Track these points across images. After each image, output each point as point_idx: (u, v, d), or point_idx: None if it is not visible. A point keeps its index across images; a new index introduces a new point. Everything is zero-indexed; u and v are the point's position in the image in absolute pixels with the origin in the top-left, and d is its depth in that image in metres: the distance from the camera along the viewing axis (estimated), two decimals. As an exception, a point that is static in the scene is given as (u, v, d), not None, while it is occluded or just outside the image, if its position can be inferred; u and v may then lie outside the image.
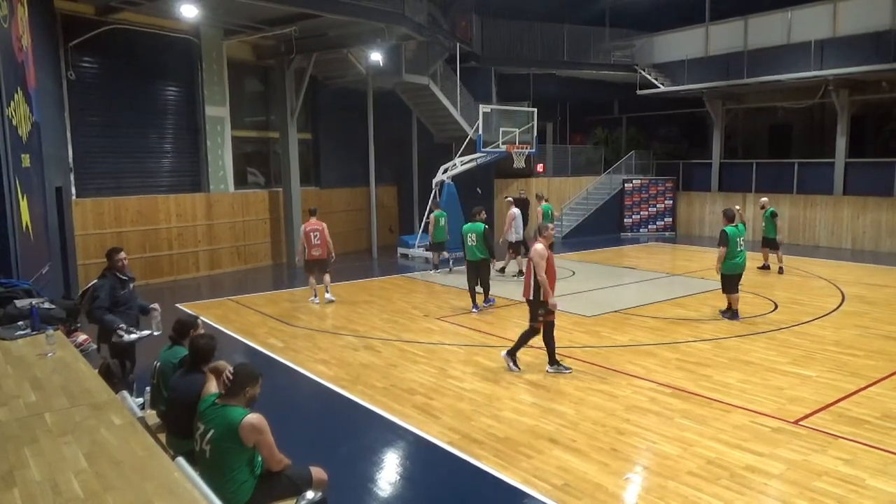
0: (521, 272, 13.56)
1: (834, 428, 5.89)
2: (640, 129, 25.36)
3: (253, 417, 3.63)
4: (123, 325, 6.18)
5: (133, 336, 6.18)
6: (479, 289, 10.88)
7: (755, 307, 10.80)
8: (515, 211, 13.65)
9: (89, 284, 6.46)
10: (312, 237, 11.16)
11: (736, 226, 9.87)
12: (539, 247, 7.31)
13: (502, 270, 14.03)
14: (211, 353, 4.35)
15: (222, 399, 3.74)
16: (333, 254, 11.50)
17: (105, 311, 6.21)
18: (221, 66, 14.90)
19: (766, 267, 14.08)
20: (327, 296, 11.49)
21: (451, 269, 14.57)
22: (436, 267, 14.62)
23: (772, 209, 14.02)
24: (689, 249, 18.30)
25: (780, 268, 13.81)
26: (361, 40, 14.76)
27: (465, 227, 11.01)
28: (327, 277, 11.48)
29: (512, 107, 17.99)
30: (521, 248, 13.63)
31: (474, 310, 10.71)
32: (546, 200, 14.61)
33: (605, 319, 10.11)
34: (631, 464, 5.30)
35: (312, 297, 11.48)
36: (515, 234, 13.56)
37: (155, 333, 6.43)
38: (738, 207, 13.38)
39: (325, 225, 11.31)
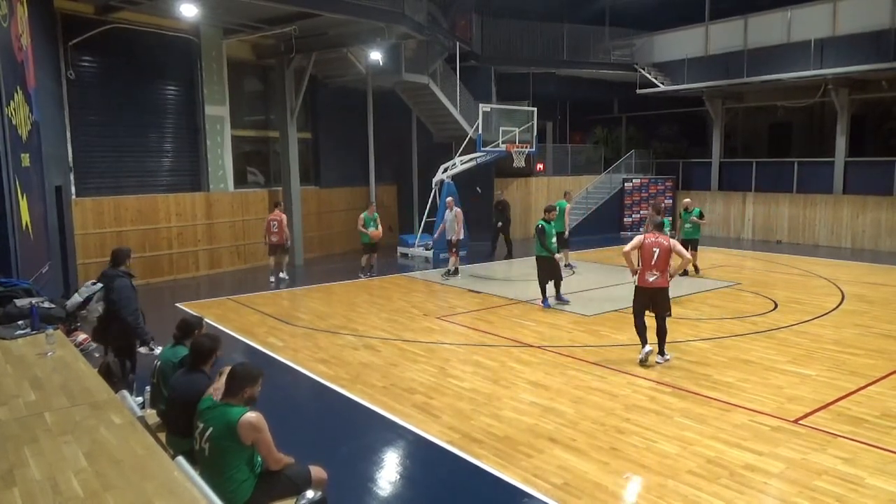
0: (456, 270, 13.76)
1: (833, 427, 5.90)
2: (639, 129, 25.35)
3: (251, 416, 3.63)
4: (153, 340, 6.17)
5: (158, 349, 6.07)
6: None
7: (755, 306, 10.81)
8: (459, 210, 13.74)
9: (94, 290, 6.22)
10: (271, 225, 13.14)
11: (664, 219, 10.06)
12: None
13: (448, 273, 13.83)
14: (212, 353, 4.34)
15: (221, 398, 3.75)
16: (289, 241, 13.59)
17: (138, 313, 6.18)
18: (221, 66, 14.89)
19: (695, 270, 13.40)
20: (282, 274, 13.48)
21: (371, 274, 14.07)
22: (363, 270, 14.04)
23: (698, 209, 13.69)
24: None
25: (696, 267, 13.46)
26: (361, 39, 14.75)
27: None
28: (286, 258, 13.77)
29: (512, 106, 17.99)
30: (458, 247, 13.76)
31: (543, 304, 10.87)
32: (565, 196, 14.48)
33: (604, 319, 10.11)
34: (631, 463, 5.30)
35: (281, 274, 13.46)
36: (455, 234, 13.58)
37: None
38: (668, 200, 13.34)
39: (284, 217, 13.39)
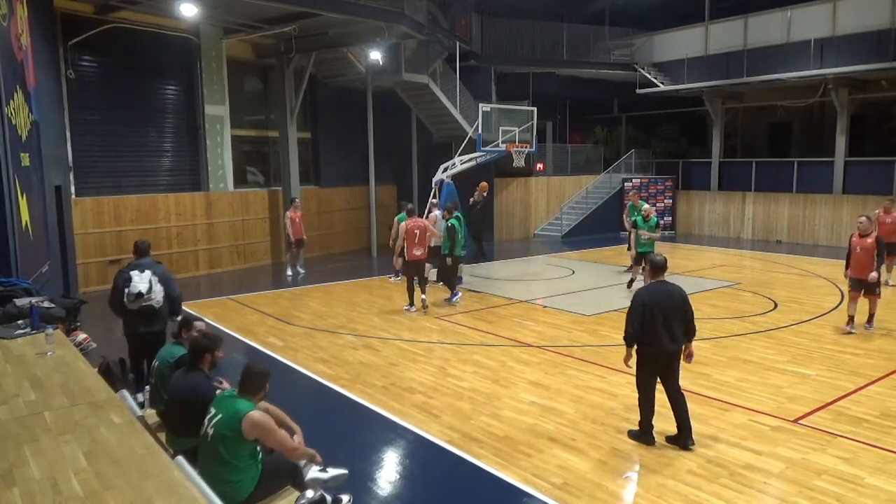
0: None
1: (833, 426, 5.90)
2: (639, 128, 25.34)
3: (255, 414, 3.70)
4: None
5: None
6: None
7: (755, 306, 10.81)
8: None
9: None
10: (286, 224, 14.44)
11: (455, 217, 11.13)
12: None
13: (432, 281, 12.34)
14: (208, 351, 4.38)
15: (240, 392, 3.90)
16: (290, 238, 14.30)
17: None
18: (221, 65, 14.88)
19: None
20: (301, 269, 14.48)
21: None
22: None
23: (655, 218, 12.36)
24: (689, 248, 18.29)
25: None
26: (361, 39, 14.75)
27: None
28: (298, 253, 14.46)
29: (511, 105, 17.96)
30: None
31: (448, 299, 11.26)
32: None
33: (604, 318, 10.11)
34: (630, 462, 5.31)
35: (299, 270, 14.45)
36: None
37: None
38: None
39: (289, 214, 14.11)
